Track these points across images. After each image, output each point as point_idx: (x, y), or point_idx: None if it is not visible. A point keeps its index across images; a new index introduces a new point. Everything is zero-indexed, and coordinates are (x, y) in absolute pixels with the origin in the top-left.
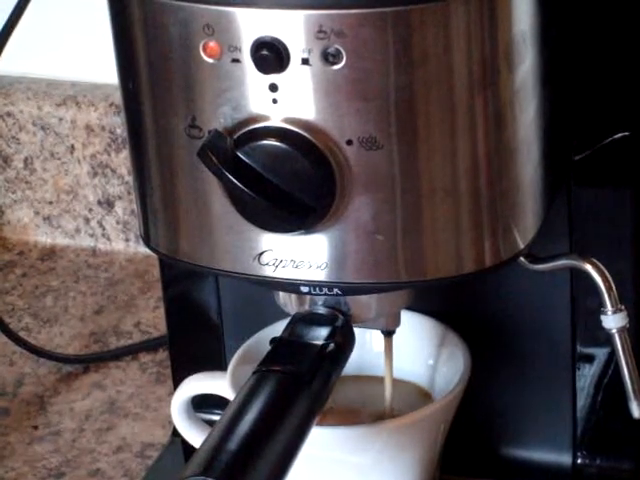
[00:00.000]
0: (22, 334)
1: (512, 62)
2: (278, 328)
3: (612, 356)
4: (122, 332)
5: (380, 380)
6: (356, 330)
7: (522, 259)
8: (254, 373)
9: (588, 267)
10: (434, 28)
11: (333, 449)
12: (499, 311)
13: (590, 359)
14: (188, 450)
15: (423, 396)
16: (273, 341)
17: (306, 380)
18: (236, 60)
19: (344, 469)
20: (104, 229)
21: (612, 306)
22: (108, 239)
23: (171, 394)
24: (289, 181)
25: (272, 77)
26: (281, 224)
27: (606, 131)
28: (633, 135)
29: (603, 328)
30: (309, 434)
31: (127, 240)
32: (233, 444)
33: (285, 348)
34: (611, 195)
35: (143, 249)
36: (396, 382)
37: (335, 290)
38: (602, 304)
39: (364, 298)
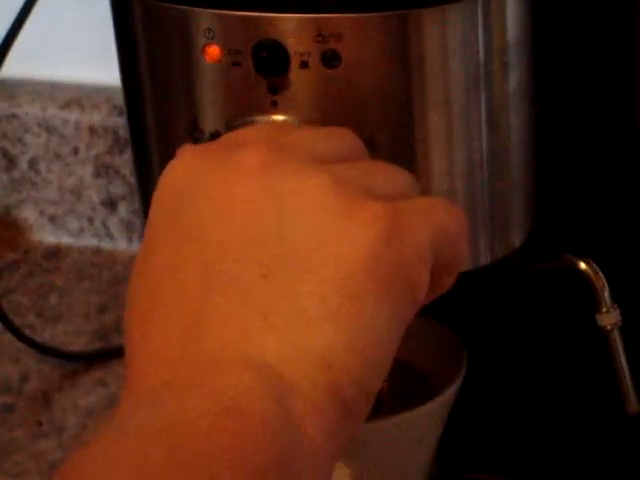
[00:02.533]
0: (27, 332)
1: (507, 66)
2: None
3: (607, 354)
4: None
5: None
6: None
7: (519, 259)
8: None
9: (583, 266)
10: (431, 32)
11: None
12: (497, 310)
13: (587, 356)
14: None
15: (420, 378)
16: None
17: None
18: (236, 63)
19: (341, 466)
20: (107, 229)
21: (606, 305)
22: (111, 238)
23: None
24: None
25: (272, 80)
26: None
27: (603, 132)
28: (629, 136)
29: (597, 326)
30: None
31: (130, 239)
32: None
33: None
34: (607, 194)
35: None
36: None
37: None
38: (597, 303)
39: None
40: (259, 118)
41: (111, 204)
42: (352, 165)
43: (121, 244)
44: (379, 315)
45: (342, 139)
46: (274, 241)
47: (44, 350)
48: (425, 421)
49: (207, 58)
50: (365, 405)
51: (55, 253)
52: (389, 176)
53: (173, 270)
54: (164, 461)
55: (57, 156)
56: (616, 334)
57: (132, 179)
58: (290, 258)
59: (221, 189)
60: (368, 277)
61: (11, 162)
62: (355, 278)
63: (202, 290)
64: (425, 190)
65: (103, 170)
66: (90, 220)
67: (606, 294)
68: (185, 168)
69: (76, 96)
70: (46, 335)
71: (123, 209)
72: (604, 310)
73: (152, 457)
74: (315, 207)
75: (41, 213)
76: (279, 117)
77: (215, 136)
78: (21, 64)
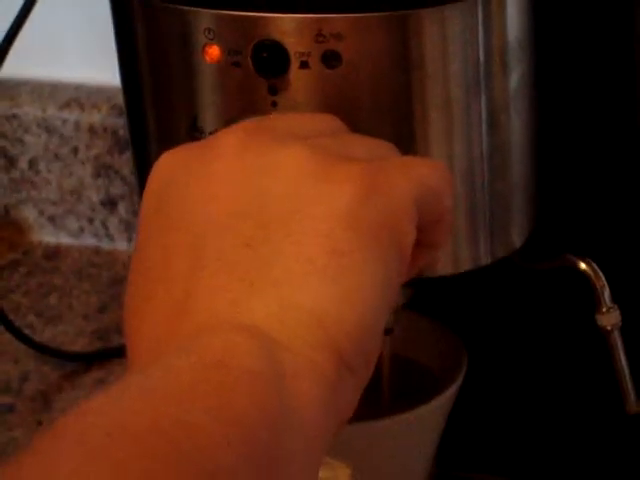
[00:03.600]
0: (27, 332)
1: (507, 66)
2: None
3: (607, 354)
4: None
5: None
6: None
7: (519, 259)
8: None
9: (583, 266)
10: (431, 32)
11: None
12: (497, 310)
13: (587, 356)
14: None
15: (420, 378)
16: None
17: None
18: (236, 63)
19: (341, 466)
20: (107, 229)
21: (606, 305)
22: (111, 239)
23: None
24: None
25: (272, 80)
26: None
27: (604, 132)
28: (628, 137)
29: (597, 326)
30: None
31: (130, 240)
32: None
33: None
34: (608, 193)
35: None
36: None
37: None
38: (597, 303)
39: None
40: None
41: (111, 204)
42: (330, 137)
43: (121, 244)
44: (367, 269)
45: (322, 120)
46: (255, 212)
47: (44, 350)
48: (425, 421)
49: (207, 58)
50: (365, 368)
51: (55, 253)
52: (370, 146)
53: (163, 258)
54: (144, 412)
55: (57, 156)
56: (616, 334)
57: (132, 179)
58: (272, 225)
59: (201, 172)
60: (351, 232)
61: (11, 162)
62: (338, 235)
63: (189, 269)
64: None
65: (103, 170)
66: (90, 220)
67: (606, 294)
68: (169, 164)
69: (76, 96)
70: (46, 335)
71: (123, 209)
72: (604, 310)
73: (131, 410)
74: (292, 174)
75: (41, 213)
76: None
77: None
78: (21, 64)
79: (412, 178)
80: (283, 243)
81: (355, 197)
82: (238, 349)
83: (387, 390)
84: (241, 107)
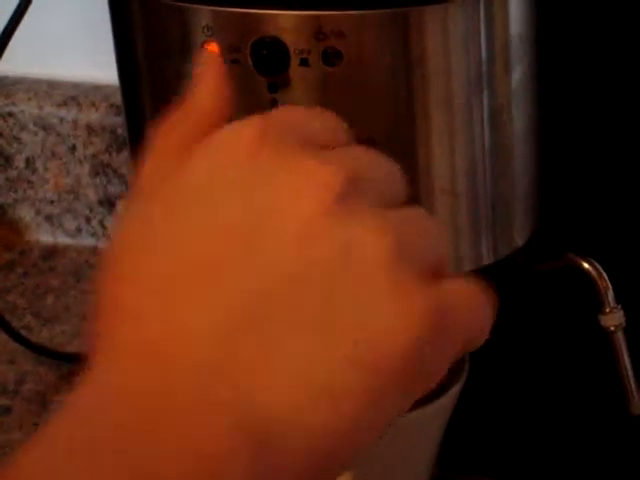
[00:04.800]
0: (23, 333)
1: (509, 63)
2: None
3: (610, 355)
4: None
5: None
6: None
7: (521, 259)
8: None
9: (586, 266)
10: (432, 30)
11: None
12: (499, 311)
13: (590, 357)
14: None
15: None
16: None
17: None
18: (236, 61)
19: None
20: (105, 228)
21: (609, 305)
22: (109, 238)
23: None
24: None
25: (272, 78)
26: None
27: (607, 130)
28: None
29: (600, 327)
30: None
31: None
32: None
33: None
34: (611, 193)
35: None
36: None
37: None
38: (600, 303)
39: None
40: None
41: (109, 203)
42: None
43: None
44: (382, 408)
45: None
46: (318, 297)
47: (41, 351)
48: (426, 423)
49: None
50: (335, 472)
51: (52, 253)
52: (389, 177)
53: (170, 271)
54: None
55: (54, 155)
56: (619, 335)
57: (130, 178)
58: (326, 322)
59: (238, 180)
60: (391, 375)
61: (7, 161)
62: (378, 371)
63: (231, 320)
64: (427, 189)
65: (101, 169)
66: (87, 220)
67: (609, 295)
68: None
69: (73, 94)
70: (43, 336)
71: (121, 209)
72: (607, 311)
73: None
74: (367, 277)
75: (38, 212)
76: None
77: None
78: (18, 62)
79: (473, 327)
80: (332, 348)
81: (416, 340)
82: (232, 449)
83: None
84: (240, 105)
